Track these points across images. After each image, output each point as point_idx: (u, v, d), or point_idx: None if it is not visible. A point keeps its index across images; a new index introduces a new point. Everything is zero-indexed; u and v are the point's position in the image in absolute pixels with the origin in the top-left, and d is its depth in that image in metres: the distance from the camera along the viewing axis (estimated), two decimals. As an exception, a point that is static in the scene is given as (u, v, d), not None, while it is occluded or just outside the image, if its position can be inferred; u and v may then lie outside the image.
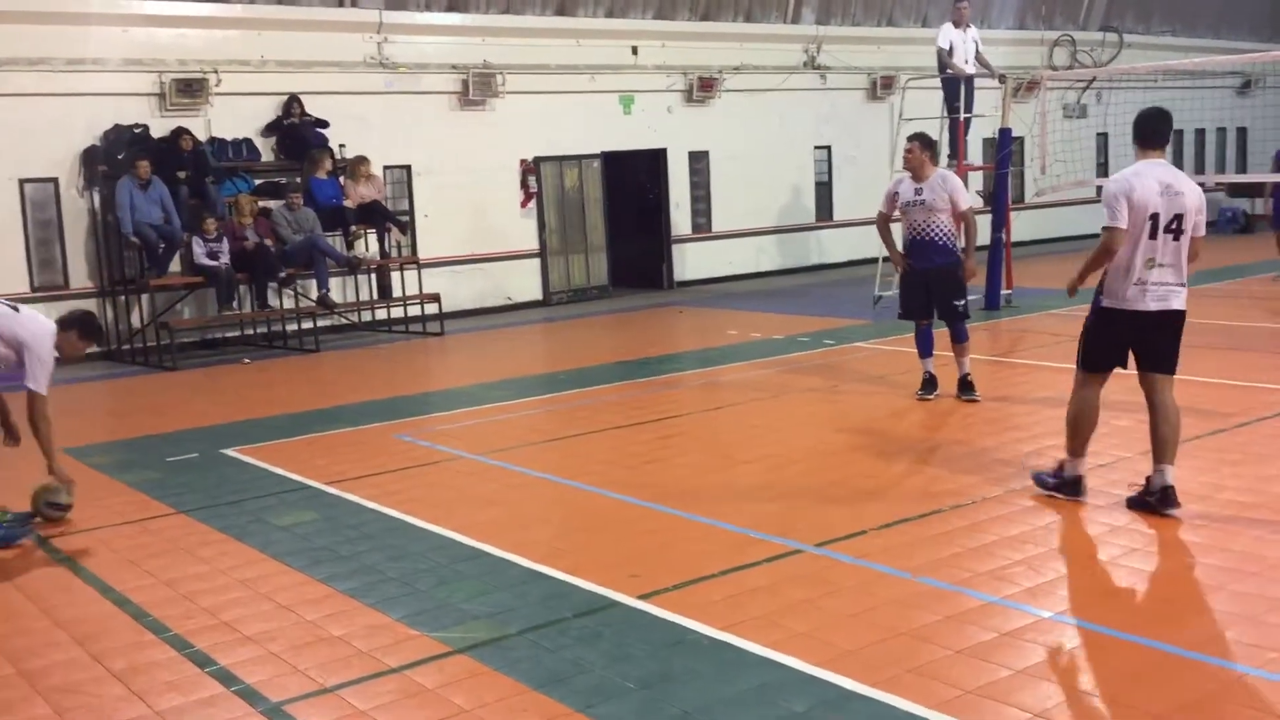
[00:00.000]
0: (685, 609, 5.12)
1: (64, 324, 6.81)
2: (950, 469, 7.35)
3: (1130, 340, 6.21)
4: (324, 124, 15.00)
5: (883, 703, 4.18)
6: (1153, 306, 6.08)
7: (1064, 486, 6.49)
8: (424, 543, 6.31)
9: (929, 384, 9.41)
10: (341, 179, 14.97)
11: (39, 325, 6.53)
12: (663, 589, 5.39)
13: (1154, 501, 6.16)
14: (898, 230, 9.43)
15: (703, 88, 18.76)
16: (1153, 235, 6.03)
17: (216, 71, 14.48)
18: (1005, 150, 14.80)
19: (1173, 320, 6.14)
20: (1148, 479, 6.26)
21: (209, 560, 6.20)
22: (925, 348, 9.46)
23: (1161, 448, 6.15)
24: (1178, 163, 24.81)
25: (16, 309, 6.62)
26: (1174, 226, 6.04)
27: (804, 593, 5.28)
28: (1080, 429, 6.40)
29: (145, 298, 13.96)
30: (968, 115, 14.92)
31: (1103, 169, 22.71)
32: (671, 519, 6.58)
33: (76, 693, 4.63)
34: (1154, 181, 6.04)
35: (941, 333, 9.45)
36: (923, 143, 9.08)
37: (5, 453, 7.11)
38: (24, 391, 6.52)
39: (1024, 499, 6.58)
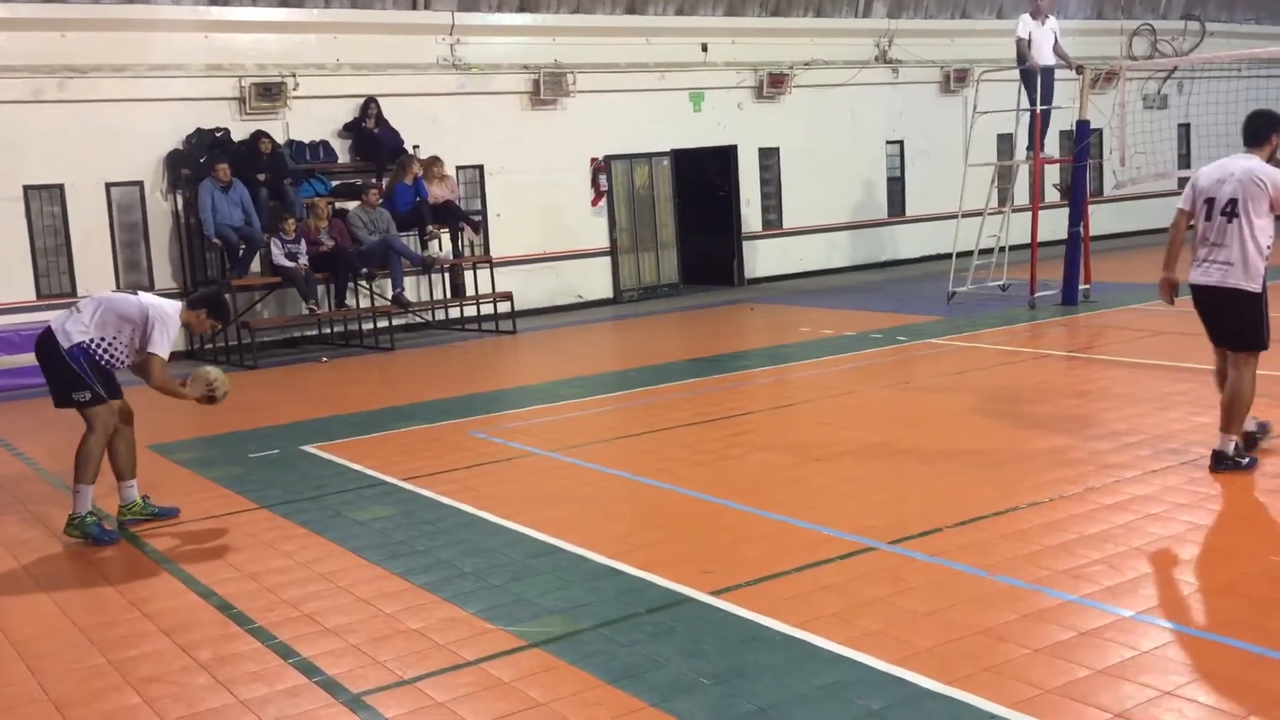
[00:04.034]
0: (758, 605, 5.13)
1: (194, 303, 7.31)
2: (1026, 467, 7.24)
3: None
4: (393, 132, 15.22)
5: (959, 701, 4.15)
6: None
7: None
8: (499, 538, 6.39)
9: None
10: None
11: (163, 303, 6.96)
12: (736, 585, 5.40)
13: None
14: None
15: (773, 84, 18.67)
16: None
17: (294, 75, 14.75)
18: (1084, 142, 14.53)
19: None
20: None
21: (290, 554, 6.33)
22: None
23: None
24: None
25: (136, 293, 7.06)
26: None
27: (878, 590, 5.26)
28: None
29: (227, 298, 14.23)
30: (1045, 107, 14.69)
31: (1184, 160, 22.19)
32: (744, 516, 6.58)
33: (165, 682, 4.77)
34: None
35: None
36: None
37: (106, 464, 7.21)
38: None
39: (1102, 497, 6.47)
